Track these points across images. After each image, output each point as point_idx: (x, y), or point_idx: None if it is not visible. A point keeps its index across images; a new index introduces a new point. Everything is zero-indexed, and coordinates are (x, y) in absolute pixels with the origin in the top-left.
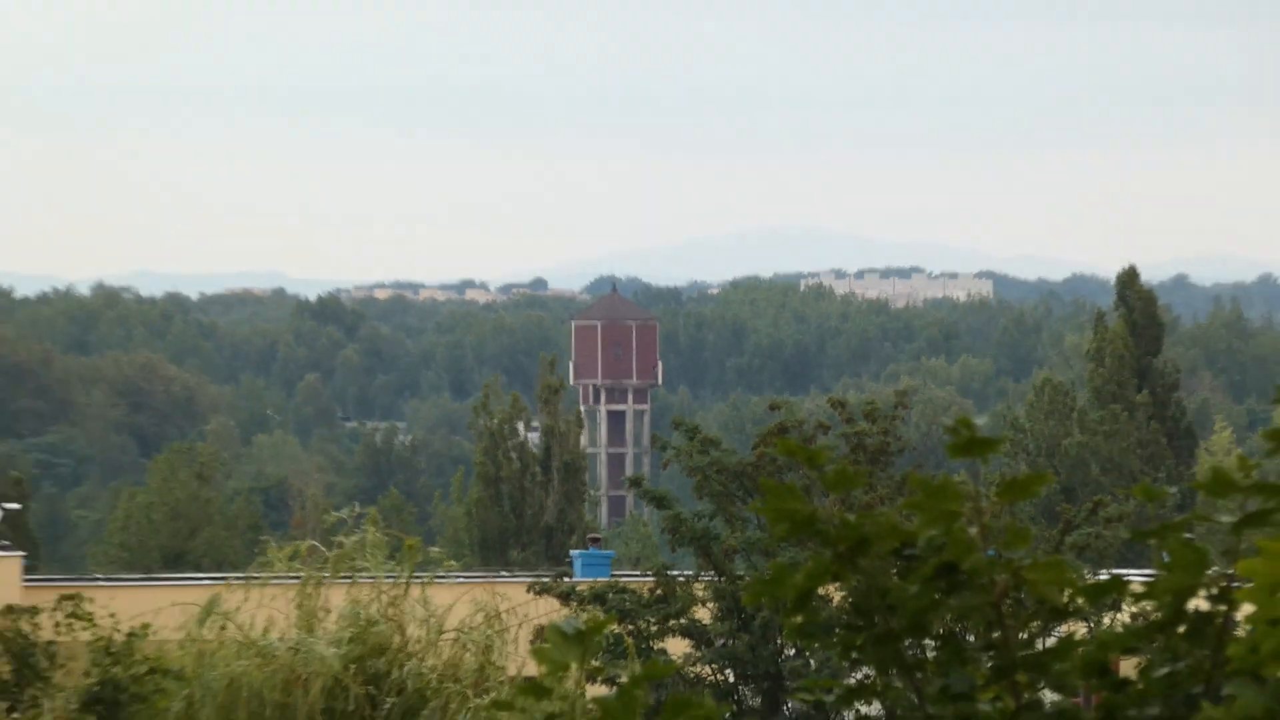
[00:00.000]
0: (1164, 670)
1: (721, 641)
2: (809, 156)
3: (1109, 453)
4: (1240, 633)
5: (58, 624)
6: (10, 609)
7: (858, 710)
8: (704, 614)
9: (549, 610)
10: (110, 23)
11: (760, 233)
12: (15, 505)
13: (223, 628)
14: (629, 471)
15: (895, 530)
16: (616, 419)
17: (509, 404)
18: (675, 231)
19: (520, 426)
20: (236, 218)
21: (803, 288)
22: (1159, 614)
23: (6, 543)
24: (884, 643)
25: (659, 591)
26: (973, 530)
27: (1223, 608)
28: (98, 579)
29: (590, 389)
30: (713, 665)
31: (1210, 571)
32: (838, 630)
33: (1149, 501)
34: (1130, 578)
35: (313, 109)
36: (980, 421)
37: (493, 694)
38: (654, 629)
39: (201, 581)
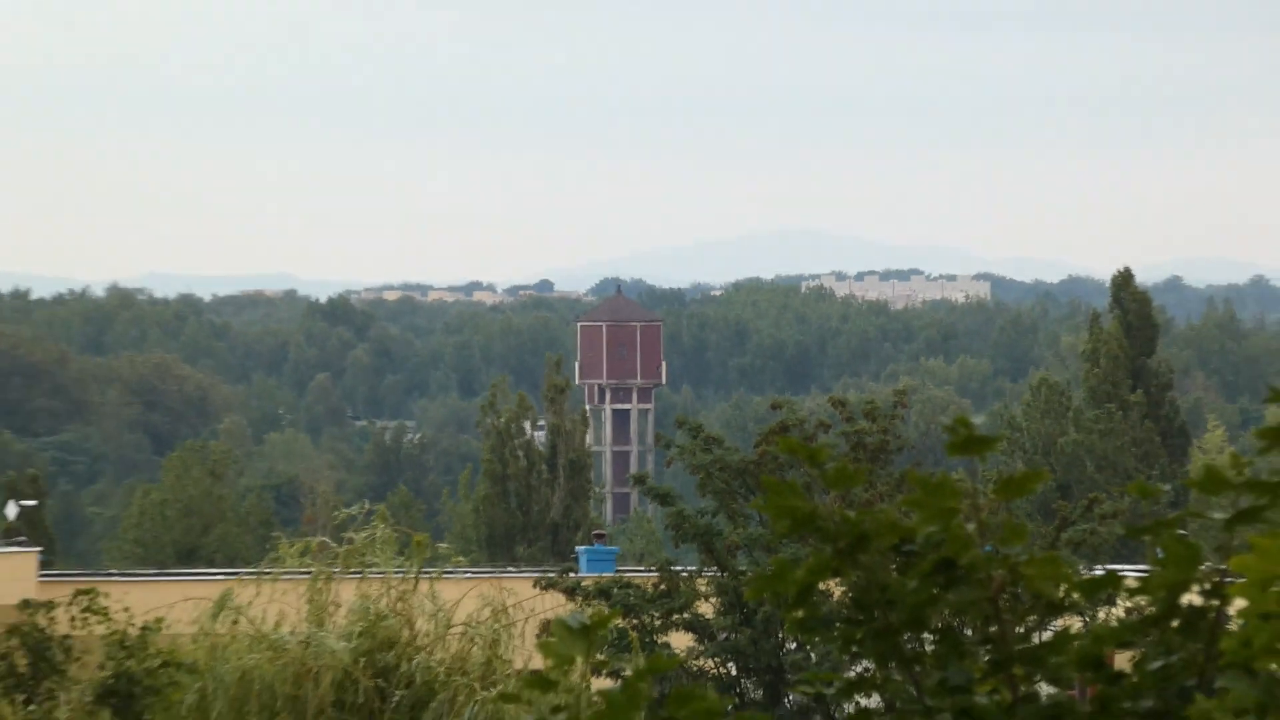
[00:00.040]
0: (1158, 664)
1: (724, 635)
2: (811, 161)
3: (1104, 451)
4: (1233, 627)
5: (73, 618)
6: (26, 604)
7: (857, 703)
8: (707, 609)
9: (555, 605)
10: (125, 27)
11: (762, 235)
12: (31, 502)
13: (235, 622)
14: (633, 469)
15: (894, 527)
16: (621, 418)
17: (516, 403)
18: (679, 234)
19: (527, 425)
20: (249, 221)
21: (804, 289)
22: (1153, 609)
23: (23, 538)
24: (883, 637)
25: (663, 587)
26: (970, 527)
27: (1216, 602)
28: (112, 574)
29: (595, 389)
30: (715, 659)
31: (1203, 567)
32: (838, 624)
33: (1143, 499)
34: (1125, 573)
35: (324, 113)
36: (978, 420)
37: (500, 687)
38: (658, 623)
39: (214, 577)
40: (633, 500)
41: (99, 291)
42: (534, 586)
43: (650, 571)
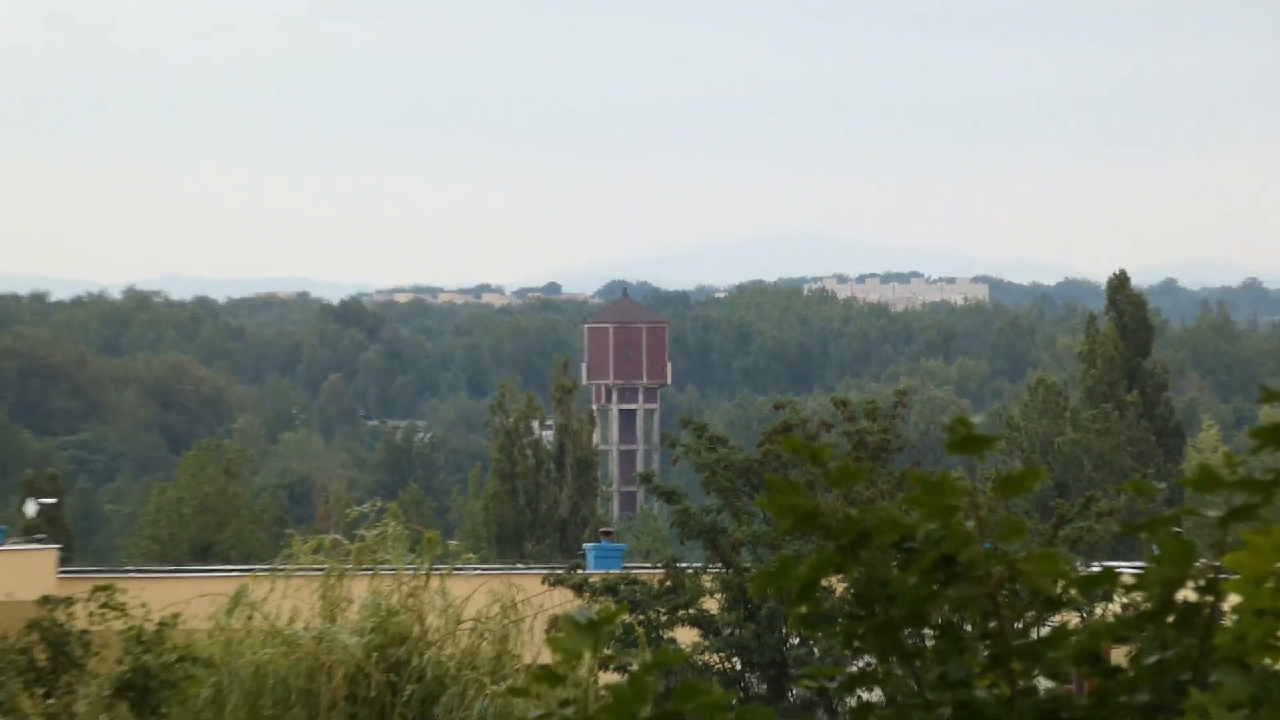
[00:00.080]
0: (1154, 658)
1: (729, 631)
2: (813, 165)
3: (1100, 450)
4: (1227, 622)
5: (91, 614)
6: (46, 599)
7: (859, 697)
8: (712, 604)
9: (563, 601)
10: (140, 33)
11: (765, 239)
12: (51, 500)
13: (250, 617)
14: (639, 468)
15: (895, 524)
16: (627, 417)
17: (524, 403)
18: (684, 238)
19: (535, 425)
20: (263, 225)
21: (806, 292)
22: (1149, 604)
23: (42, 536)
24: (884, 632)
25: (668, 583)
26: (970, 524)
27: (1210, 598)
28: (130, 571)
29: (602, 389)
30: (720, 654)
31: (1198, 564)
32: (840, 620)
33: (1139, 497)
34: (1121, 570)
35: (335, 119)
36: (977, 420)
37: (509, 681)
38: (664, 619)
39: (229, 573)
40: (639, 498)
41: (116, 294)
42: (542, 583)
43: (656, 568)
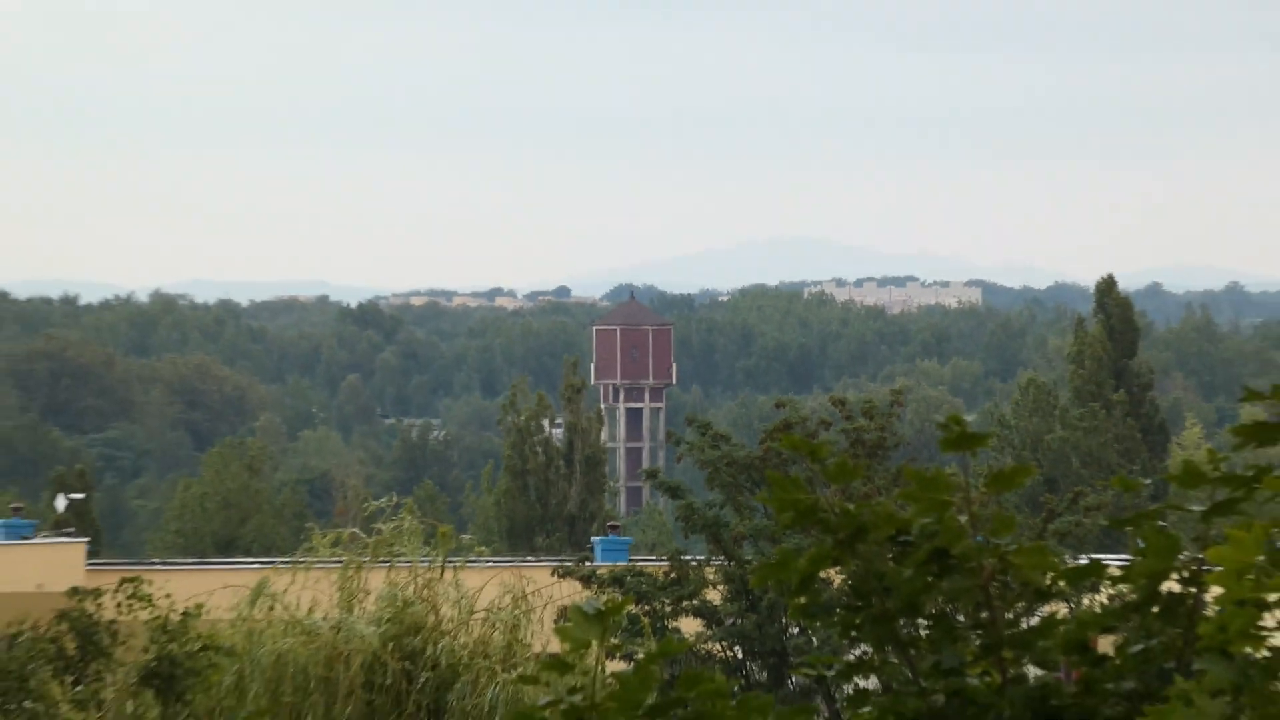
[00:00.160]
0: (1139, 647)
1: (731, 621)
2: (813, 174)
3: (1088, 447)
4: (1210, 613)
5: (119, 604)
6: (75, 591)
7: (856, 684)
8: (715, 596)
9: (571, 592)
10: (167, 47)
11: (767, 244)
12: (80, 495)
13: (271, 608)
14: (646, 464)
15: (891, 518)
16: (634, 416)
17: (535, 402)
18: (689, 243)
19: (545, 423)
20: (284, 231)
21: (806, 295)
22: (1135, 595)
23: (71, 530)
24: (881, 622)
25: (673, 575)
26: (963, 518)
27: (1193, 590)
28: (155, 563)
29: (610, 388)
30: (723, 643)
31: (1182, 556)
32: (838, 610)
33: (1125, 492)
34: (1108, 562)
35: (355, 128)
36: (970, 419)
37: (519, 669)
38: (668, 609)
39: (251, 566)
40: (645, 493)
41: (143, 297)
42: (552, 575)
43: (661, 561)
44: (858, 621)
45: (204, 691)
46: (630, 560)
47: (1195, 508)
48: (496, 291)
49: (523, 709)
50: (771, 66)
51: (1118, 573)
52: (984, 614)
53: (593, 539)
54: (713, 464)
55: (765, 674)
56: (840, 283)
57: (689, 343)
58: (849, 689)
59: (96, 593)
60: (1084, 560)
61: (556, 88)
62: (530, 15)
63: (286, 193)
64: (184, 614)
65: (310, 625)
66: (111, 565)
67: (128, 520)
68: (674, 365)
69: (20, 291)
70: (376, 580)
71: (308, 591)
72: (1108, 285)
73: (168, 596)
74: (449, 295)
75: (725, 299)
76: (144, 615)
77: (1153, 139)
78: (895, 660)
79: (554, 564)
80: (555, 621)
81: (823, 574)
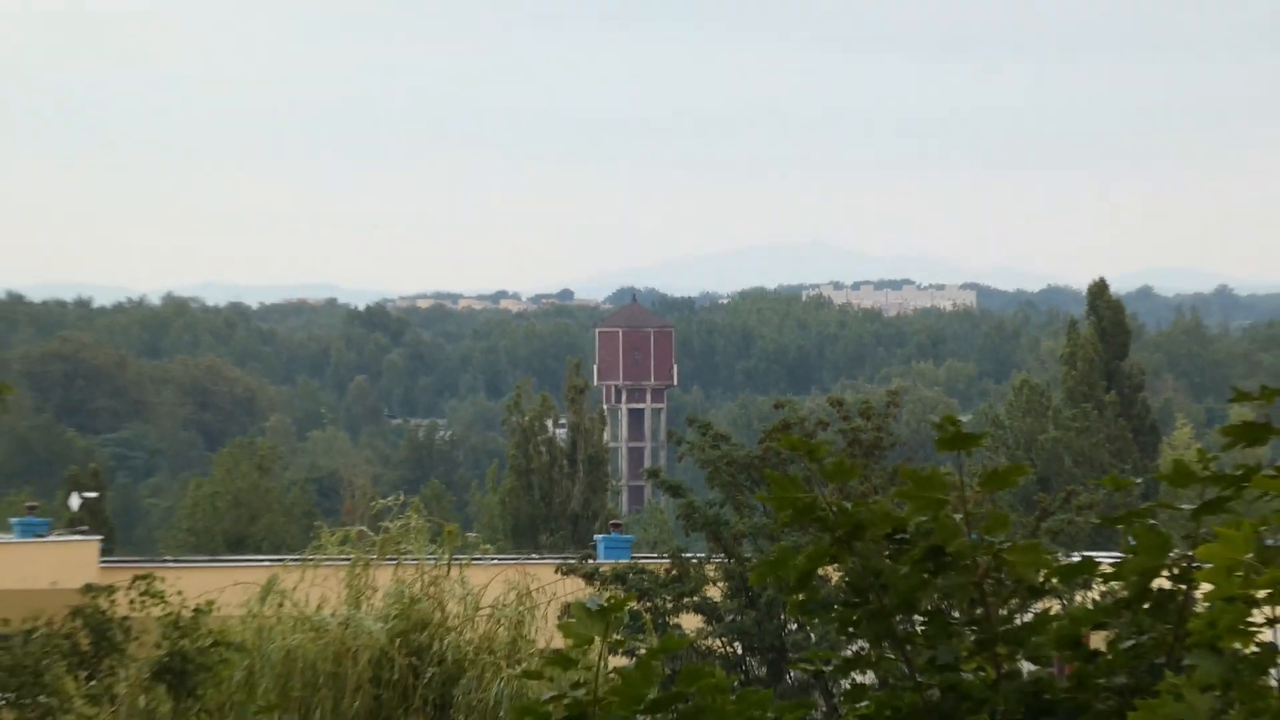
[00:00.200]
0: (1130, 643)
1: (730, 617)
2: (811, 179)
3: (1081, 447)
4: (1200, 609)
5: (132, 601)
6: (89, 588)
7: (854, 679)
8: (715, 592)
9: (575, 589)
10: (168, 48)
11: (766, 248)
12: (93, 494)
13: (280, 605)
14: (647, 464)
15: (888, 517)
16: (636, 416)
17: (539, 403)
18: (689, 247)
19: (549, 423)
20: (293, 235)
21: (804, 298)
22: (1126, 592)
23: (85, 528)
24: (877, 618)
25: (674, 572)
26: (958, 517)
27: (1183, 587)
28: (168, 561)
29: (612, 389)
30: (722, 639)
31: (1172, 554)
32: (836, 607)
33: (1117, 491)
34: (1100, 560)
35: (362, 134)
36: (964, 419)
37: (524, 665)
38: (669, 606)
39: (261, 563)
40: (646, 492)
41: (155, 300)
42: (555, 572)
43: (662, 558)
44: (855, 618)
45: (215, 686)
46: (632, 558)
47: (1185, 506)
48: (501, 294)
49: (527, 703)
50: (770, 72)
51: (1109, 570)
52: (979, 610)
53: (595, 537)
54: (713, 463)
55: (764, 669)
56: (838, 286)
57: (690, 345)
58: (846, 684)
59: (110, 590)
60: (1076, 558)
61: (561, 97)
62: (534, 19)
63: (295, 197)
64: (195, 610)
65: (319, 621)
66: (124, 563)
67: (140, 519)
68: (675, 367)
69: (35, 295)
70: (384, 577)
71: (316, 588)
72: (1099, 288)
73: (179, 593)
74: (455, 298)
75: (725, 302)
76: (156, 612)
77: (1143, 145)
78: (892, 656)
79: (557, 561)
80: (559, 618)
81: (821, 571)
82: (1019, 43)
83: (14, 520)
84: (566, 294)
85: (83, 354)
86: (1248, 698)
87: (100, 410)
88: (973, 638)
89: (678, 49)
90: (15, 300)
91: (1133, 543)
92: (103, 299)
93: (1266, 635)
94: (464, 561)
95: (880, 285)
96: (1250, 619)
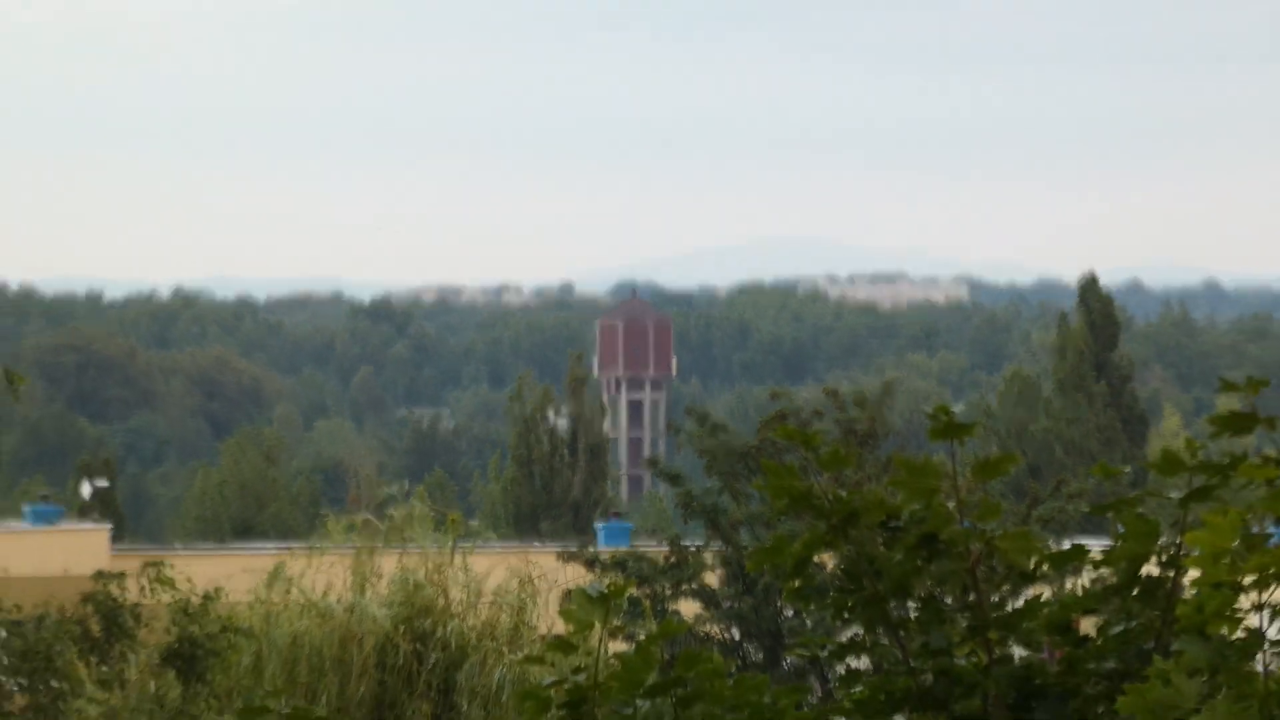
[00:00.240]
0: (1119, 628)
1: (728, 603)
2: (806, 174)
3: (1071, 437)
4: (1187, 595)
5: (142, 588)
6: (100, 574)
7: (848, 664)
8: (712, 579)
9: (575, 576)
10: (176, 47)
11: (763, 242)
12: (104, 482)
13: (287, 591)
14: (647, 453)
15: (882, 505)
16: (636, 407)
17: (540, 394)
18: (687, 241)
19: (550, 414)
20: (299, 229)
21: (800, 291)
22: (1115, 579)
23: (96, 516)
24: (872, 604)
25: (673, 559)
26: (950, 505)
27: (1172, 573)
28: (177, 548)
29: (612, 380)
30: (720, 624)
31: (1161, 541)
32: (831, 593)
33: (1107, 479)
34: (1090, 547)
35: (366, 130)
36: (957, 409)
37: (526, 650)
38: (668, 592)
39: (268, 550)
40: (646, 481)
41: (165, 293)
42: (556, 559)
43: (661, 545)
44: (850, 604)
45: (223, 671)
46: (632, 545)
47: (1173, 494)
48: (504, 288)
49: (529, 688)
50: (768, 71)
51: (1099, 557)
52: (971, 596)
53: (596, 525)
54: (711, 453)
55: (761, 654)
56: (833, 280)
57: (688, 337)
58: (841, 669)
59: (120, 576)
60: (1067, 545)
61: (561, 94)
62: (534, 18)
63: (300, 193)
64: (204, 597)
65: (325, 608)
66: (134, 550)
67: (150, 506)
68: (674, 358)
69: (48, 288)
70: (388, 564)
71: (322, 575)
72: (1090, 282)
73: (188, 580)
74: (458, 291)
75: (723, 295)
76: (166, 598)
77: (1132, 143)
78: (886, 641)
79: (558, 549)
80: (560, 604)
81: (816, 558)
82: (1011, 44)
83: (26, 508)
84: (567, 287)
85: (94, 345)
86: (1234, 682)
87: (111, 400)
88: (965, 623)
89: (676, 47)
90: (28, 293)
91: (1122, 530)
92: (113, 292)
93: (1253, 620)
94: (467, 549)
95: (874, 279)
96: (1237, 605)
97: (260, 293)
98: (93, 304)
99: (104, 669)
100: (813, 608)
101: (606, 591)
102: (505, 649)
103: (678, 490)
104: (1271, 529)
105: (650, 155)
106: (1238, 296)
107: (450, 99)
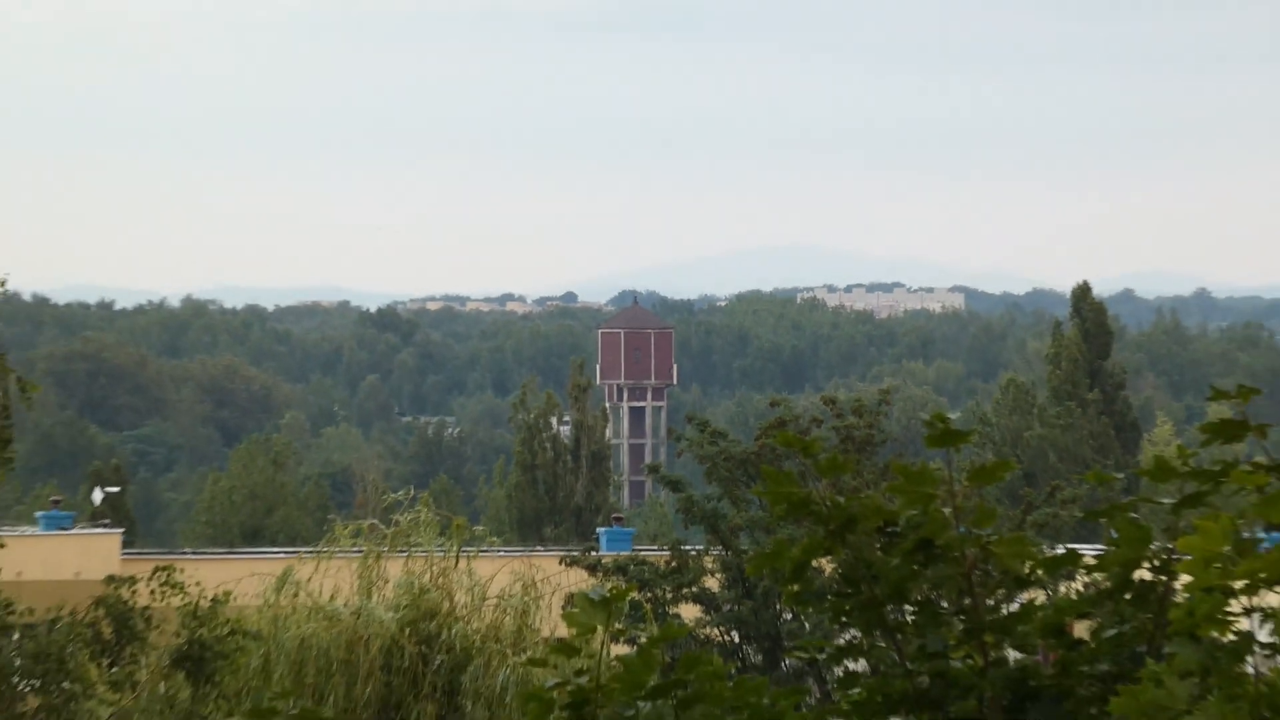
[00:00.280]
0: (1113, 632)
1: (728, 607)
2: (805, 185)
3: (1065, 444)
4: (1179, 599)
5: (152, 591)
6: (111, 578)
7: (846, 666)
8: (713, 583)
9: (578, 580)
10: (188, 60)
11: (762, 252)
12: (115, 488)
13: (295, 595)
14: (648, 460)
15: (879, 510)
16: (637, 414)
17: (544, 401)
18: (688, 251)
19: (554, 420)
20: (307, 239)
21: (799, 300)
22: (1109, 583)
23: (107, 521)
24: (869, 608)
25: (674, 564)
26: (947, 510)
27: (1164, 577)
28: (187, 552)
29: (614, 388)
30: (720, 628)
31: (1153, 546)
32: (829, 597)
33: (1100, 486)
34: (1084, 552)
35: (374, 143)
36: (953, 417)
37: (529, 652)
38: (669, 596)
39: (276, 555)
40: (647, 487)
41: (175, 302)
42: (559, 564)
43: (662, 550)
44: (848, 607)
45: (232, 673)
46: (633, 550)
47: (1165, 500)
48: (508, 297)
49: (533, 690)
50: (768, 80)
51: (1093, 561)
52: (967, 600)
53: (598, 530)
54: (711, 459)
55: (761, 657)
56: (831, 288)
57: (689, 345)
58: (840, 671)
59: (131, 580)
60: (1061, 550)
61: (565, 106)
62: (538, 23)
63: (309, 203)
64: (213, 600)
65: (332, 611)
66: (145, 554)
67: (160, 512)
68: (675, 366)
69: (60, 297)
70: (394, 569)
71: (330, 579)
72: (1083, 291)
73: (198, 584)
74: (463, 300)
75: (723, 304)
76: (176, 602)
77: (1126, 155)
78: (883, 644)
79: (561, 553)
80: (563, 608)
81: (815, 563)
82: (1006, 53)
83: (39, 514)
84: (570, 296)
85: (105, 354)
86: (1225, 684)
87: (122, 408)
88: (961, 627)
89: (678, 55)
90: (41, 302)
91: (1115, 535)
92: (124, 301)
93: (1243, 624)
94: (471, 553)
95: (872, 288)
96: (1228, 608)
97: (269, 302)
98: (104, 313)
99: (115, 671)
100: (811, 611)
101: (609, 595)
102: (509, 651)
103: (678, 496)
104: (1262, 535)
105: (651, 164)
106: (1229, 305)
107: (452, 108)
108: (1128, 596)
